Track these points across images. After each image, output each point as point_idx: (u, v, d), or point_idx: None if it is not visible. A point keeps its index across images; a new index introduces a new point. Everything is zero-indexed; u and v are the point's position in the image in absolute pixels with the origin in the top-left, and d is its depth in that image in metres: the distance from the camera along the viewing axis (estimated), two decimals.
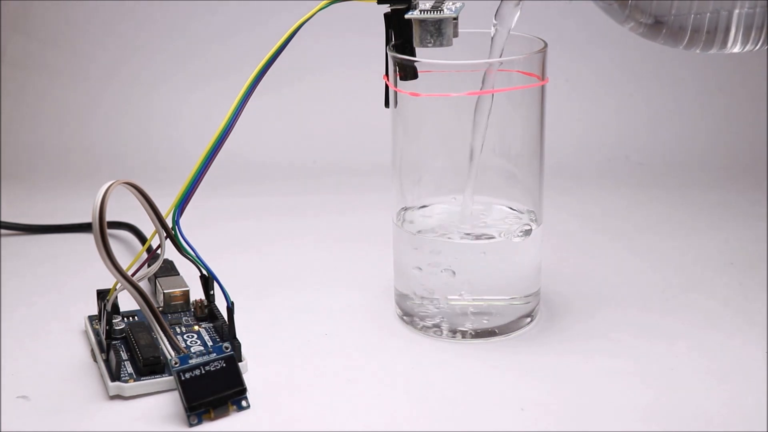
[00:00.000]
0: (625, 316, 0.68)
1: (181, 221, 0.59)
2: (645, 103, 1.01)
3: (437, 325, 0.65)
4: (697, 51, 0.57)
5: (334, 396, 0.59)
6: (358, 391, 0.60)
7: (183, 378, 0.57)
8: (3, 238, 0.83)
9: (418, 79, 0.62)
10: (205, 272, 0.62)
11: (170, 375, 0.59)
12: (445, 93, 0.62)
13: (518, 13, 0.62)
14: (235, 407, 0.57)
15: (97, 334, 0.64)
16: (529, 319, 0.67)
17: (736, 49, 0.57)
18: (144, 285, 0.65)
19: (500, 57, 0.62)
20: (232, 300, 0.61)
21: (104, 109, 1.02)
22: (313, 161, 0.98)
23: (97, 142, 1.00)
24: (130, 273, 0.57)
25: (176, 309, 0.67)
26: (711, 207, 0.87)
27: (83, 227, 0.83)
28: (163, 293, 0.67)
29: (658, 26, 0.57)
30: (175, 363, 0.57)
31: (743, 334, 0.65)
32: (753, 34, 0.56)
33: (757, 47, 0.57)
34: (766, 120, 0.98)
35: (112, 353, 0.61)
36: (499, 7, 0.62)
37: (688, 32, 0.56)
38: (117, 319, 0.63)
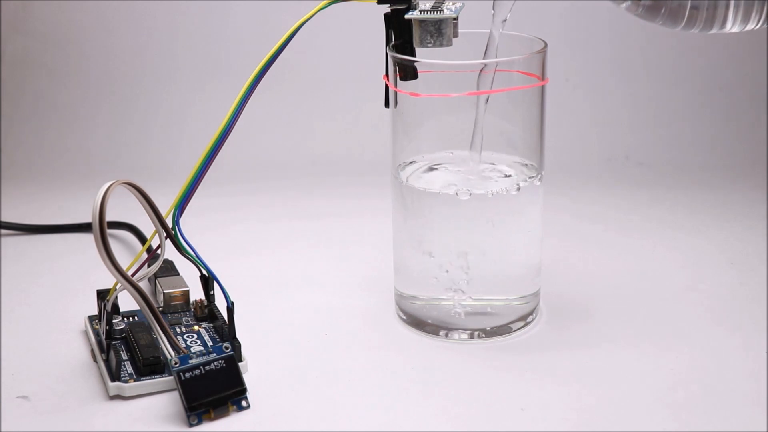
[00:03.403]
0: (625, 316, 0.68)
1: (181, 221, 0.59)
2: (645, 103, 1.01)
3: (438, 326, 0.65)
4: (696, 31, 0.57)
5: (334, 396, 0.59)
6: (358, 391, 0.60)
7: (183, 378, 0.57)
8: (3, 238, 0.83)
9: (418, 79, 0.62)
10: (205, 272, 0.62)
11: (170, 375, 0.59)
12: (445, 93, 0.62)
13: (513, 3, 0.61)
14: (235, 407, 0.57)
15: (97, 334, 0.64)
16: (528, 320, 0.67)
17: (736, 28, 0.56)
18: (144, 285, 0.65)
19: (497, 45, 0.62)
20: (232, 300, 0.61)
21: (104, 109, 1.02)
22: (313, 161, 0.98)
23: (97, 142, 1.00)
24: (130, 273, 0.57)
25: (176, 309, 0.67)
26: (711, 207, 0.87)
27: (83, 227, 0.83)
28: (163, 293, 0.67)
29: (657, 5, 0.56)
30: (175, 363, 0.57)
31: (743, 334, 0.65)
32: (753, 12, 0.55)
33: (758, 26, 0.56)
34: (766, 120, 0.98)
35: (112, 353, 0.61)
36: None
37: (687, 10, 0.56)
38: (117, 319, 0.63)
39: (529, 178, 0.64)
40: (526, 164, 0.65)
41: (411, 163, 0.66)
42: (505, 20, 0.62)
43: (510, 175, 0.65)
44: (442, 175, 0.65)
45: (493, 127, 0.64)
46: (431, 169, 0.66)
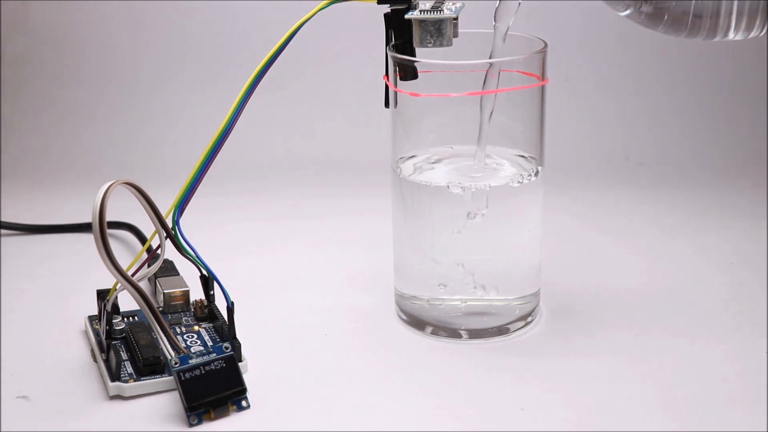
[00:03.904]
0: (625, 315, 0.68)
1: (181, 221, 0.59)
2: (645, 103, 1.01)
3: (438, 326, 0.65)
4: (700, 39, 0.57)
5: (334, 396, 0.59)
6: (358, 391, 0.60)
7: (183, 378, 0.57)
8: (3, 238, 0.83)
9: (418, 79, 0.62)
10: (205, 272, 0.62)
11: (170, 375, 0.59)
12: (445, 93, 0.62)
13: (516, 11, 0.61)
14: (235, 407, 0.57)
15: (97, 334, 0.64)
16: (528, 320, 0.67)
17: (739, 36, 0.56)
18: (144, 285, 0.65)
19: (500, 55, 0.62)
20: (232, 300, 0.61)
21: (104, 109, 1.02)
22: (312, 161, 0.98)
23: (97, 142, 1.00)
24: (130, 273, 0.57)
25: (176, 309, 0.67)
26: (711, 207, 0.87)
27: (83, 227, 0.83)
28: (163, 293, 0.67)
29: (659, 13, 0.56)
30: (175, 363, 0.57)
31: (743, 334, 0.65)
32: (757, 20, 0.55)
33: (762, 33, 0.56)
34: (766, 120, 0.98)
35: (112, 353, 0.61)
36: (498, 6, 0.62)
37: (690, 18, 0.55)
38: (117, 319, 0.63)
39: (527, 176, 0.64)
40: (525, 156, 0.65)
41: (411, 156, 0.66)
42: (507, 31, 0.62)
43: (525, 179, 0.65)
44: (442, 169, 0.65)
45: (494, 127, 0.64)
46: (432, 164, 0.66)
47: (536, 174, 0.64)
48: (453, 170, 0.65)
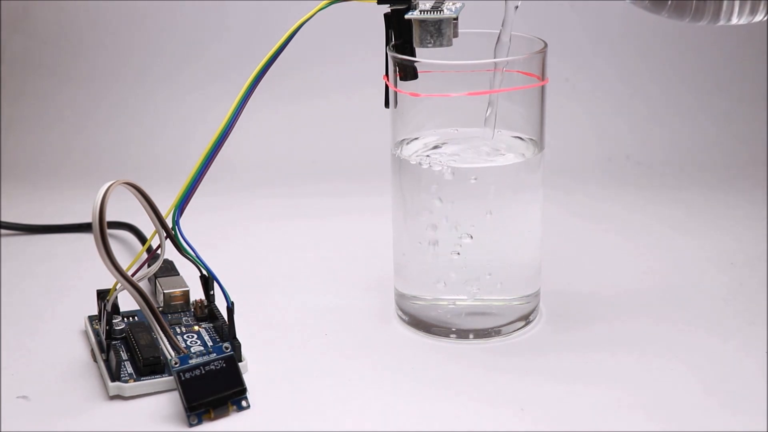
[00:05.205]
0: (625, 316, 0.68)
1: (181, 221, 0.59)
2: (645, 103, 1.01)
3: (438, 326, 0.65)
4: (704, 23, 0.56)
5: (334, 396, 0.59)
6: (358, 391, 0.60)
7: (183, 378, 0.57)
8: (3, 238, 0.83)
9: (418, 79, 0.62)
10: (205, 272, 0.62)
11: (170, 375, 0.59)
12: (445, 93, 0.62)
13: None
14: (235, 407, 0.57)
15: (97, 334, 0.64)
16: (528, 320, 0.67)
17: (743, 20, 0.56)
18: (144, 285, 0.65)
19: (510, 34, 0.62)
20: (232, 300, 0.61)
21: (104, 109, 1.02)
22: (312, 161, 0.98)
23: (97, 142, 1.00)
24: (130, 273, 0.57)
25: (176, 309, 0.67)
26: (711, 207, 0.87)
27: (83, 227, 0.83)
28: (163, 293, 0.67)
29: None
30: (175, 363, 0.57)
31: (743, 334, 0.65)
32: (762, 3, 0.55)
33: (765, 17, 0.56)
34: (766, 120, 0.98)
35: (112, 353, 0.61)
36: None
37: (694, 1, 0.55)
38: (117, 319, 0.63)
39: (523, 154, 0.64)
40: (523, 139, 0.65)
41: (415, 139, 0.65)
42: (517, 6, 0.62)
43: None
44: (440, 151, 0.65)
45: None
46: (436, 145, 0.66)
47: (522, 155, 0.64)
48: (454, 150, 0.65)
